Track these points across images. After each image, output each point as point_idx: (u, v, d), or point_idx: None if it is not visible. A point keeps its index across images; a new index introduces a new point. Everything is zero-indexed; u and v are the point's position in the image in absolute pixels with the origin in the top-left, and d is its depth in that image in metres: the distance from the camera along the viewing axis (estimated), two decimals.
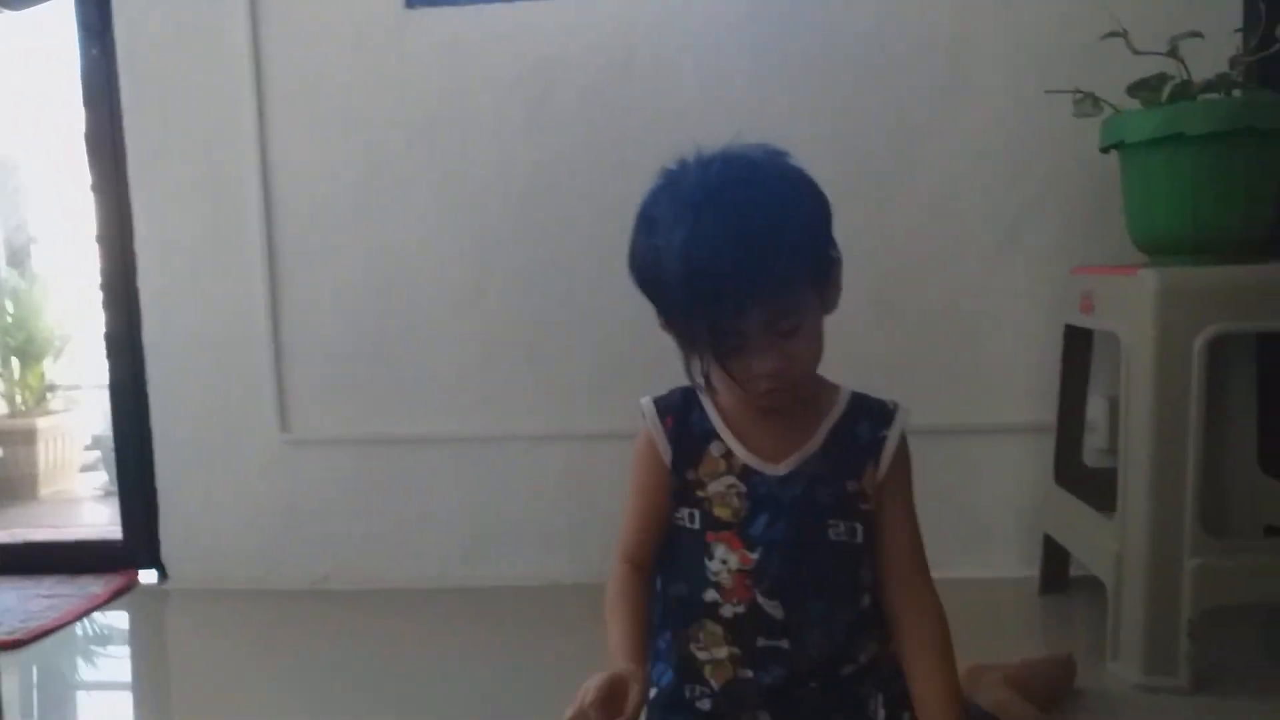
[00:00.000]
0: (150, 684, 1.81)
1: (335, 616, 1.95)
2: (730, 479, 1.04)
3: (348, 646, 1.80)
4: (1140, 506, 1.43)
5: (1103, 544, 1.51)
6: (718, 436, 1.06)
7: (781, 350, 0.96)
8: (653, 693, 1.09)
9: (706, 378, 1.02)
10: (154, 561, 2.18)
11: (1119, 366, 1.47)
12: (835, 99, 1.89)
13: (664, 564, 1.10)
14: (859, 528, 1.05)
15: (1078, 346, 1.78)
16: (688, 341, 1.00)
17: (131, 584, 2.16)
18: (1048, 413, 1.82)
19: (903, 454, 1.08)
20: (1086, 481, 1.75)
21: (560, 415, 2.02)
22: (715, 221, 0.93)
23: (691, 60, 1.91)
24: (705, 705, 1.05)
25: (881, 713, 1.05)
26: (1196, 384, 1.38)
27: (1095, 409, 1.85)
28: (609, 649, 1.02)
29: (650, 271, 0.98)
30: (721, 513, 1.04)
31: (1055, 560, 1.83)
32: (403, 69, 1.97)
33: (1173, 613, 1.40)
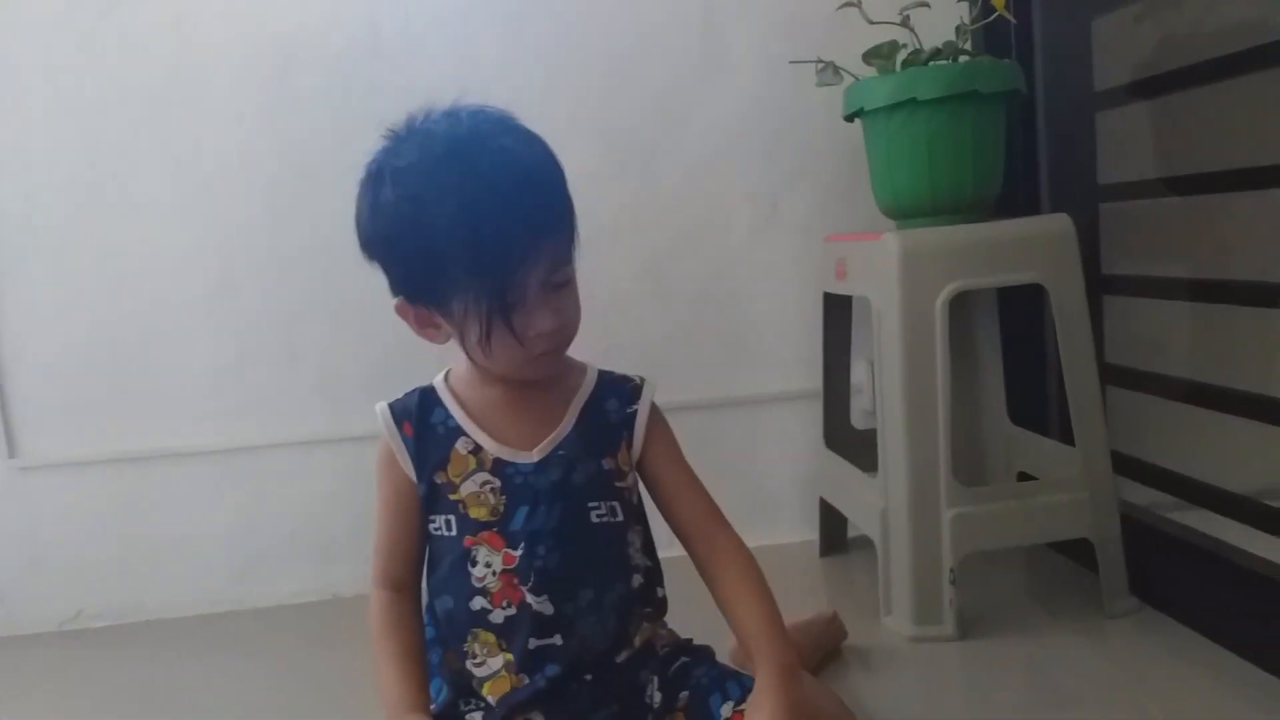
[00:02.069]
0: None
1: (91, 657, 1.76)
2: (483, 475, 0.99)
3: (108, 688, 1.62)
4: (899, 463, 1.47)
5: (869, 502, 1.56)
6: (463, 433, 1.00)
7: (557, 306, 0.93)
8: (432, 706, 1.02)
9: (486, 341, 0.92)
10: None
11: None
12: (591, 75, 1.86)
13: (427, 579, 1.03)
14: (617, 506, 1.02)
15: (837, 313, 1.82)
16: (461, 304, 0.91)
17: None
18: (816, 379, 1.86)
19: (657, 422, 1.06)
20: (855, 443, 1.80)
21: (331, 416, 1.91)
22: (487, 166, 0.88)
23: (440, 35, 1.82)
24: (477, 719, 0.99)
25: (657, 695, 1.02)
26: (940, 341, 1.43)
27: (860, 372, 1.91)
28: (385, 699, 0.95)
29: (404, 229, 0.90)
30: (478, 513, 0.98)
31: (832, 523, 1.88)
32: (121, 49, 1.79)
33: (935, 564, 1.45)
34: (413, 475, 1.01)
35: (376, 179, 0.94)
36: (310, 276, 1.86)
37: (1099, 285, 1.67)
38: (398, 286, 0.98)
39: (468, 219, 0.87)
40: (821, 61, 1.60)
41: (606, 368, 1.10)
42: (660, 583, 1.09)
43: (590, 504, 1.01)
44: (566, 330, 0.97)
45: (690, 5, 1.86)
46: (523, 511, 0.98)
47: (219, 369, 1.88)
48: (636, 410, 1.05)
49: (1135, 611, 1.49)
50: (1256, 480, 1.49)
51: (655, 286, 1.90)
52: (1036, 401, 1.80)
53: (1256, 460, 1.51)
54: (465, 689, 1.01)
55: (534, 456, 1.00)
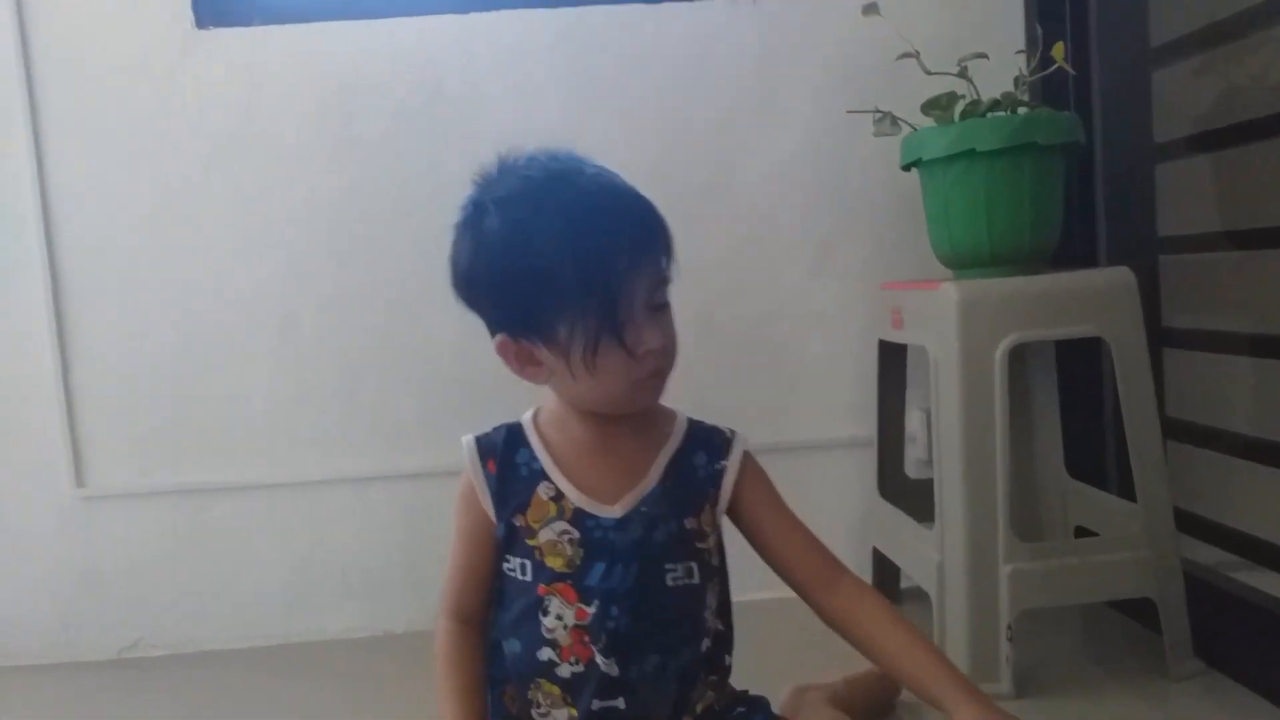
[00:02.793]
0: None
1: (148, 685, 1.79)
2: (562, 524, 0.97)
3: (164, 716, 1.65)
4: (956, 516, 1.45)
5: (924, 555, 1.54)
6: (547, 477, 0.99)
7: (662, 326, 0.94)
8: None
9: (593, 359, 0.92)
10: None
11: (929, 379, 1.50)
12: (649, 121, 1.88)
13: (496, 616, 1.02)
14: (695, 567, 1.00)
15: (892, 360, 1.81)
16: (568, 326, 0.90)
17: None
18: (869, 427, 1.85)
19: (750, 473, 1.05)
20: (909, 493, 1.79)
21: (385, 453, 1.93)
22: (588, 187, 0.91)
23: (501, 84, 1.87)
24: None
25: None
26: (999, 392, 1.42)
27: (915, 421, 1.89)
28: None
29: (511, 255, 0.91)
30: (554, 562, 0.97)
31: (885, 573, 1.86)
32: (195, 93, 1.85)
33: (992, 619, 1.43)
34: (492, 514, 1.00)
35: (478, 212, 0.95)
36: (369, 317, 1.90)
37: (1160, 338, 1.65)
38: (500, 322, 0.96)
39: (575, 236, 0.89)
40: (879, 111, 1.60)
41: (697, 417, 1.08)
42: (729, 649, 1.07)
43: (668, 565, 0.98)
44: (671, 351, 0.97)
45: (746, 53, 1.88)
46: (599, 568, 0.96)
47: (278, 405, 1.91)
48: (725, 467, 1.03)
49: (1199, 674, 1.44)
50: None
51: (706, 329, 1.91)
52: (1095, 455, 1.77)
53: None
54: None
55: (616, 512, 0.98)
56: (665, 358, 0.96)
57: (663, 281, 0.95)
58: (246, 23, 1.85)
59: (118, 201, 1.87)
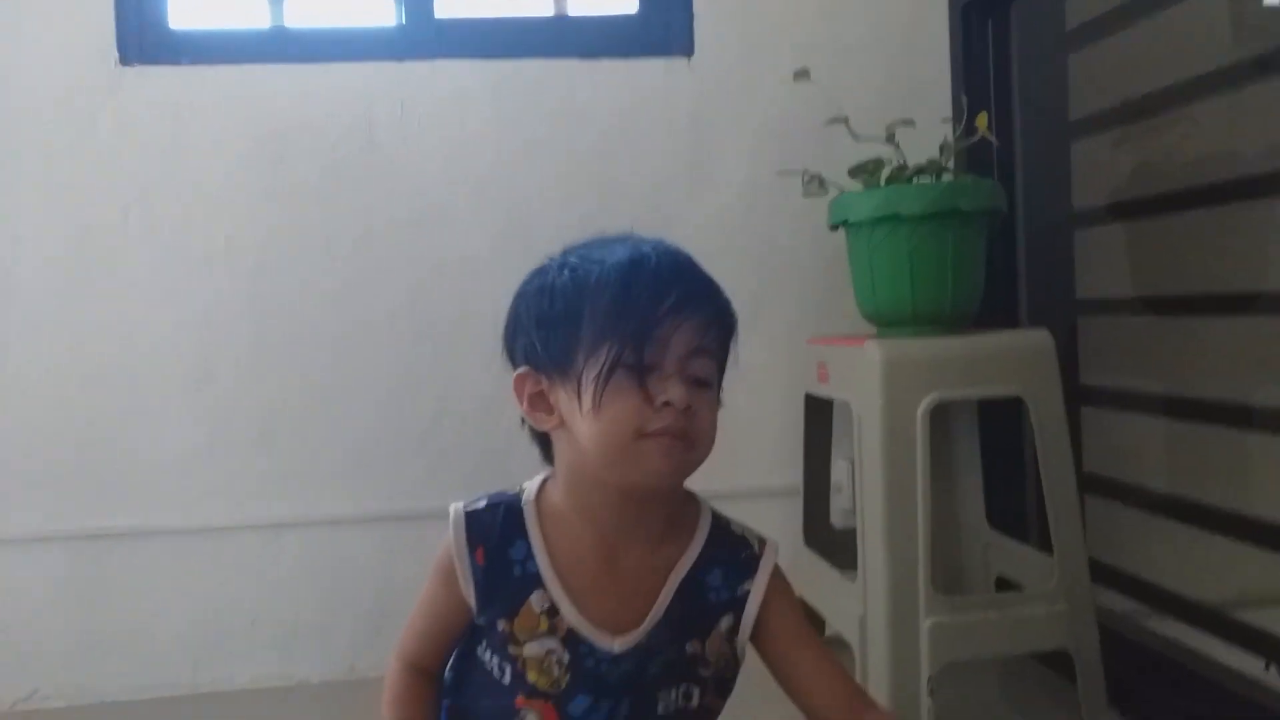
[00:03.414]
0: None
1: None
2: (551, 643, 0.88)
3: None
4: (878, 570, 1.47)
5: (847, 606, 1.55)
6: (543, 585, 0.88)
7: (694, 394, 0.85)
8: None
9: (603, 389, 0.83)
10: None
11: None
12: (582, 177, 1.90)
13: (457, 685, 0.95)
14: (695, 691, 0.91)
15: (818, 413, 1.84)
16: (587, 354, 0.84)
17: None
18: (795, 477, 1.87)
19: (779, 594, 0.94)
20: (834, 543, 1.80)
21: (298, 500, 1.88)
22: (653, 250, 0.87)
23: (435, 133, 1.86)
24: None
25: None
26: (921, 448, 1.45)
27: (840, 471, 1.91)
28: None
29: (558, 293, 0.87)
30: (535, 679, 0.88)
31: (810, 623, 1.86)
32: (117, 132, 1.80)
33: (914, 671, 1.44)
34: (473, 605, 0.90)
35: (548, 265, 0.92)
36: (288, 363, 1.86)
37: (1078, 396, 1.70)
38: (527, 351, 0.90)
39: (628, 266, 0.85)
40: (808, 174, 1.64)
41: (727, 514, 1.00)
42: None
43: (660, 692, 0.90)
44: (696, 420, 0.86)
45: (680, 111, 1.92)
46: (584, 701, 0.88)
47: (188, 452, 1.85)
48: (748, 592, 0.93)
49: None
50: (1229, 591, 1.50)
51: None
52: (1016, 508, 1.82)
53: (1229, 572, 1.53)
54: None
55: (614, 647, 0.88)
56: (685, 419, 0.84)
57: (708, 353, 0.88)
58: (174, 61, 1.82)
59: (30, 240, 1.81)
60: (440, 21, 1.93)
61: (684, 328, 0.85)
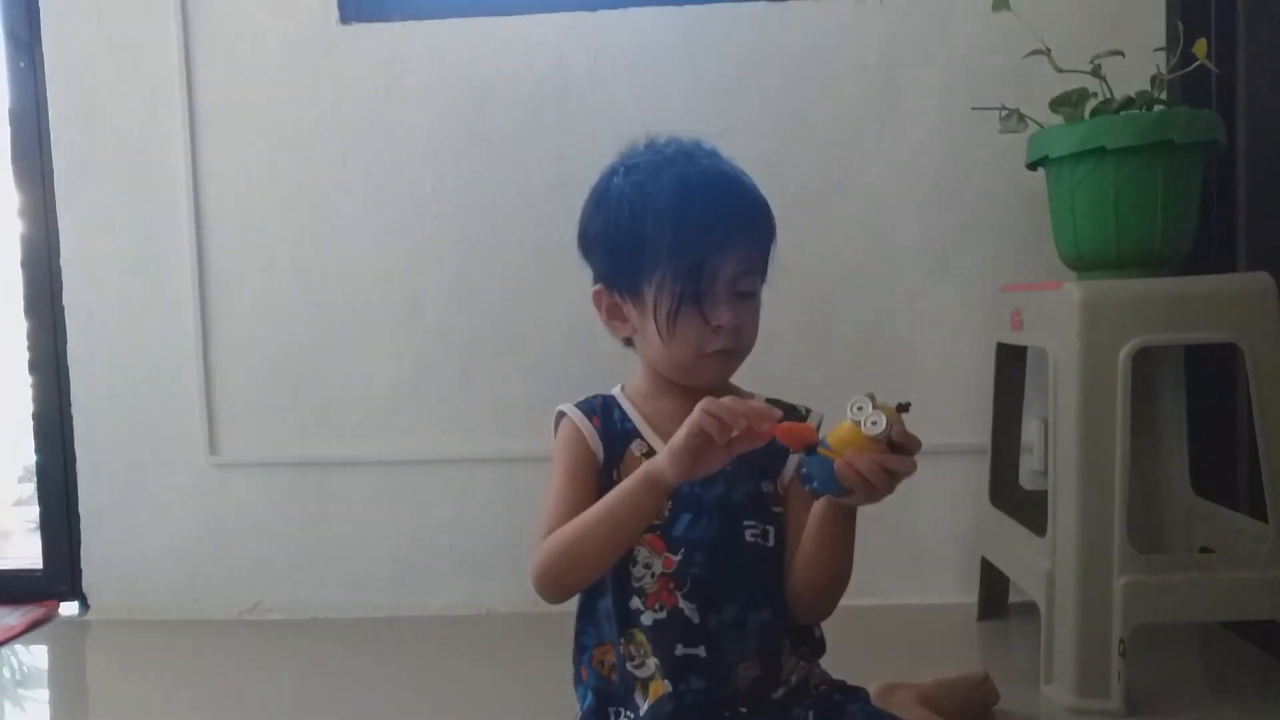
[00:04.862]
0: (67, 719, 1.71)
1: (264, 647, 1.89)
2: None
3: (276, 678, 1.73)
4: (1069, 523, 1.41)
5: (1035, 564, 1.49)
6: (639, 435, 1.05)
7: (739, 309, 1.00)
8: (577, 716, 1.07)
9: (673, 319, 0.99)
10: (76, 592, 2.09)
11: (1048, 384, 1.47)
12: (771, 118, 1.90)
13: None
14: (771, 530, 1.03)
15: (1010, 365, 1.77)
16: (653, 285, 0.99)
17: (50, 615, 2.07)
18: (984, 434, 1.81)
19: None
20: (1022, 504, 1.74)
21: (495, 437, 1.98)
22: (706, 167, 1.01)
23: (626, 79, 1.91)
24: None
25: None
26: (1121, 397, 1.37)
27: (1031, 431, 1.84)
28: (620, 499, 0.96)
29: (621, 211, 1.01)
30: None
31: (994, 585, 1.81)
32: (336, 84, 1.95)
33: (1104, 633, 1.38)
34: (600, 455, 1.05)
35: (610, 175, 1.05)
36: (487, 306, 1.97)
37: None
38: (600, 273, 1.07)
39: (679, 205, 0.99)
40: (1005, 109, 1.58)
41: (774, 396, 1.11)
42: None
43: (746, 522, 1.03)
44: (742, 334, 1.01)
45: (870, 51, 1.88)
46: (685, 519, 1.01)
47: (397, 386, 1.99)
48: None
49: None
50: None
51: (817, 329, 1.90)
52: (1224, 472, 1.69)
53: None
54: (612, 696, 1.04)
55: None
56: (734, 338, 1.01)
57: (752, 270, 1.01)
58: (387, 18, 1.94)
59: (262, 186, 1.99)
60: None
61: (732, 257, 0.99)
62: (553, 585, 1.01)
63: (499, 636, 1.89)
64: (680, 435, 0.90)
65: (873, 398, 0.90)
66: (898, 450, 0.89)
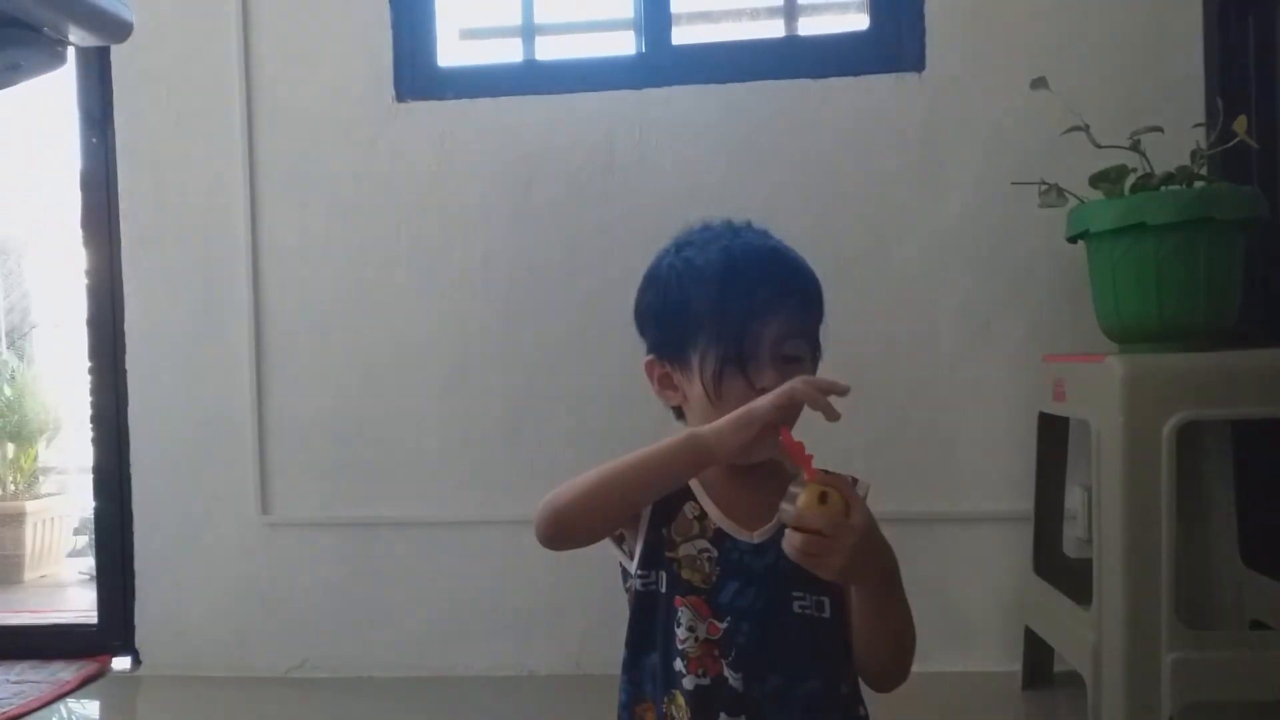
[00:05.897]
0: None
1: (310, 705, 1.92)
2: (702, 543, 1.02)
3: None
4: (1116, 596, 1.40)
5: (1080, 636, 1.48)
6: (693, 497, 1.05)
7: (785, 374, 0.99)
8: None
9: (718, 383, 1.00)
10: (128, 647, 2.14)
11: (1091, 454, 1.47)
12: (811, 191, 1.94)
13: (635, 633, 1.06)
14: (826, 602, 1.02)
15: (1052, 434, 1.77)
16: (699, 352, 1.01)
17: (104, 670, 2.12)
18: (1026, 502, 1.81)
19: None
20: (1066, 572, 1.73)
21: (539, 499, 1.99)
22: (752, 240, 1.04)
23: (671, 154, 1.96)
24: None
25: None
26: (1166, 471, 1.37)
27: (1074, 499, 1.83)
28: (661, 444, 0.96)
29: (670, 284, 1.04)
30: (690, 576, 1.02)
31: (1038, 654, 1.80)
32: (391, 160, 2.03)
33: (1152, 708, 1.36)
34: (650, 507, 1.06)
35: (662, 255, 1.08)
36: (533, 372, 2.01)
37: None
38: (652, 343, 1.09)
39: (722, 271, 1.01)
40: (1045, 183, 1.60)
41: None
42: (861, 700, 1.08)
43: (795, 593, 1.02)
44: None
45: (910, 124, 1.92)
46: (732, 586, 1.01)
47: (445, 449, 2.03)
48: None
49: None
50: None
51: (863, 396, 1.89)
52: (1276, 544, 1.67)
53: None
54: None
55: (755, 538, 1.02)
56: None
57: (795, 334, 1.02)
58: (440, 96, 2.02)
59: (318, 256, 2.06)
60: (677, 48, 2.04)
61: (773, 322, 1.00)
62: (554, 513, 1.04)
63: (541, 698, 1.90)
64: (765, 401, 0.92)
65: (827, 473, 0.92)
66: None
